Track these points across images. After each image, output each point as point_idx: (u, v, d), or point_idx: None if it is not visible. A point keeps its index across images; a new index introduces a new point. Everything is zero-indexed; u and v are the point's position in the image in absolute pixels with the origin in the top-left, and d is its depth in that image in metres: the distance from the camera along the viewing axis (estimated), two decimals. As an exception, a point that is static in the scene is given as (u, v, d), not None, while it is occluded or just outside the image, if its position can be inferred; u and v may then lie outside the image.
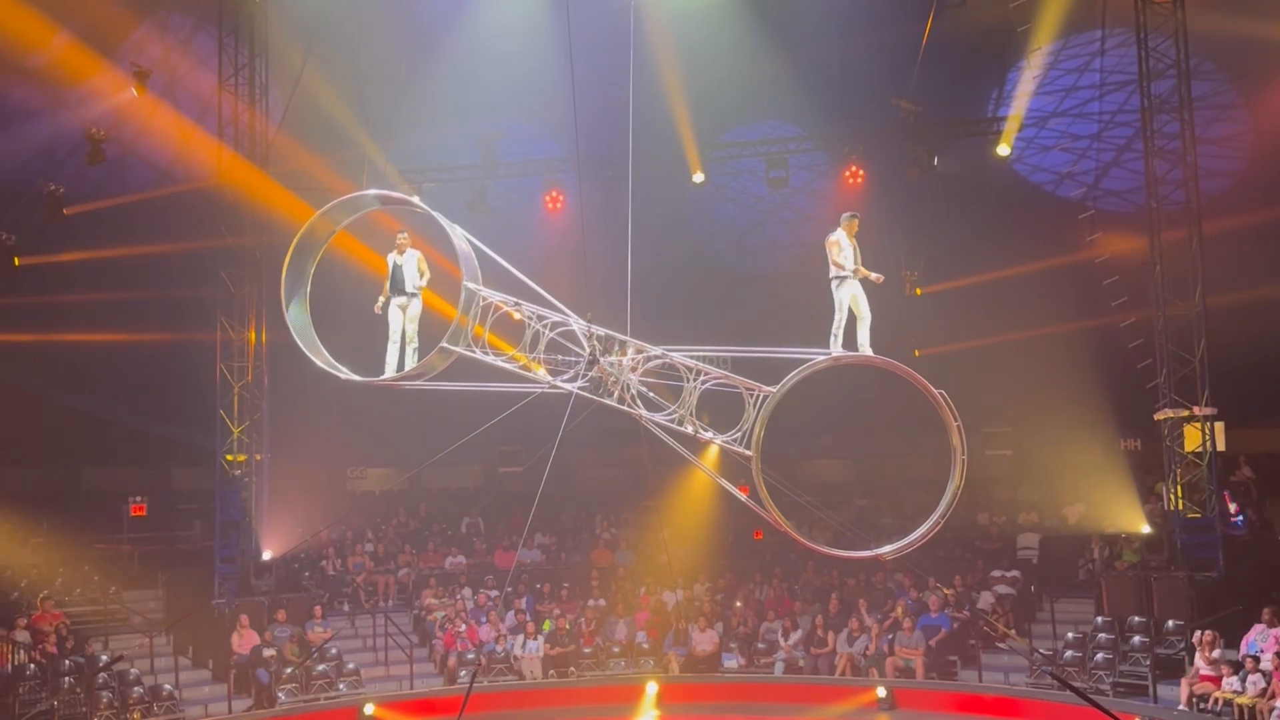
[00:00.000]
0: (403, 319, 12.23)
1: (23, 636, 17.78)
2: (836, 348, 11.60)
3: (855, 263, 11.65)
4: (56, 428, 24.01)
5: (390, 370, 12.20)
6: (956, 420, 11.40)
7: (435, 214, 11.99)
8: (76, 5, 19.39)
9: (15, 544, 20.83)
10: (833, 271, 11.71)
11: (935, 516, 11.52)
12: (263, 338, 20.51)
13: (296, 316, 12.30)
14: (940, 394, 11.38)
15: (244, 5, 20.48)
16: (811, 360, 11.50)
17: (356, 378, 12.21)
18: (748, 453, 11.49)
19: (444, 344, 11.72)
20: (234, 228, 20.46)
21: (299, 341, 12.23)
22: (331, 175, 22.59)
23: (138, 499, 22.06)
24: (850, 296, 11.67)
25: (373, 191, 13.37)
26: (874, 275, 11.71)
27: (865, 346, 11.70)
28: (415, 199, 13.08)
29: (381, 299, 12.22)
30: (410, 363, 12.11)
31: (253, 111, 20.71)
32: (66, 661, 17.65)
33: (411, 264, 12.24)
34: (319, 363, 12.21)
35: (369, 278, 12.46)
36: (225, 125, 20.53)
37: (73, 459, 25.46)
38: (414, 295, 12.18)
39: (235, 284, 20.43)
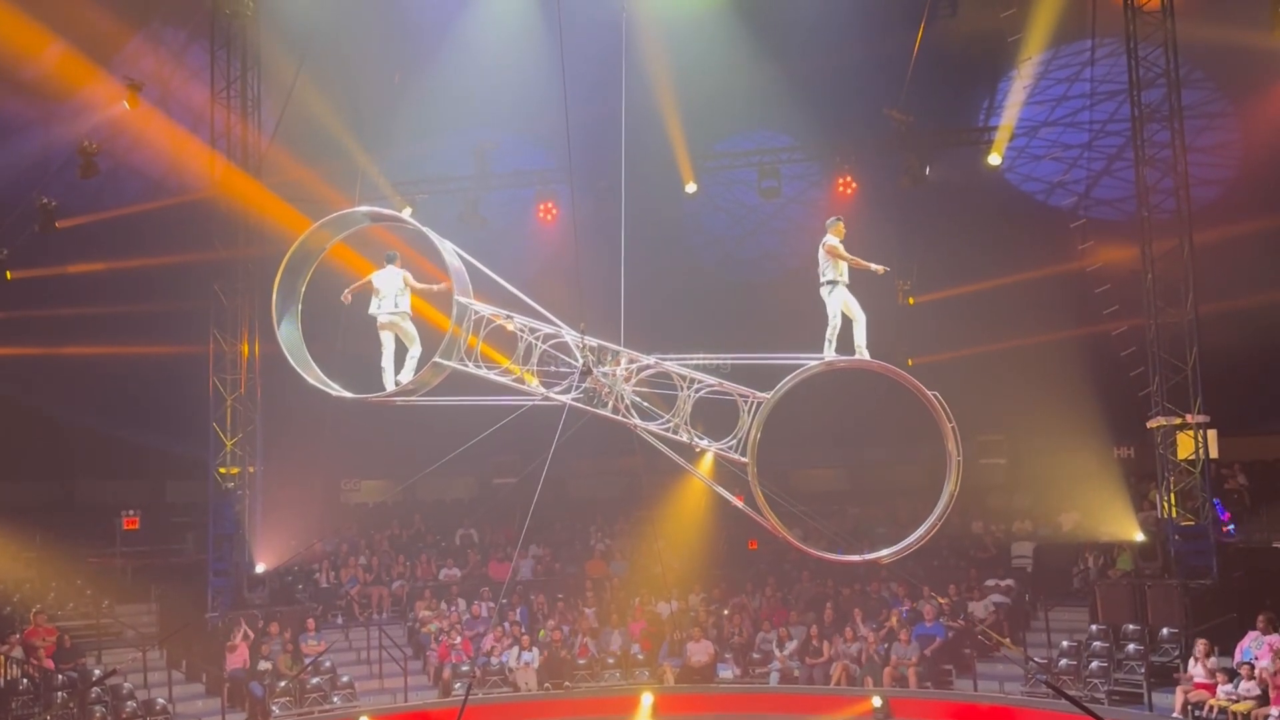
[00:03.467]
0: (393, 338, 12.26)
1: (15, 651, 17.70)
2: (830, 353, 11.63)
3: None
4: (49, 441, 23.95)
5: (386, 387, 12.21)
6: (951, 422, 11.39)
7: (425, 229, 12.04)
8: (68, 18, 19.38)
9: (8, 558, 20.73)
10: (828, 275, 11.73)
11: (932, 519, 11.51)
12: (255, 350, 20.48)
13: (288, 334, 12.33)
14: (934, 395, 11.38)
15: (236, 18, 20.50)
16: (805, 365, 11.53)
17: (348, 395, 12.23)
18: (743, 459, 11.49)
19: (437, 359, 11.76)
20: (226, 240, 20.47)
21: (291, 359, 12.27)
22: (324, 187, 22.62)
23: (131, 512, 22.06)
24: (842, 302, 11.71)
25: (363, 209, 13.39)
26: (876, 266, 11.79)
27: (863, 349, 11.71)
28: (406, 213, 13.11)
29: (349, 292, 12.26)
30: (409, 371, 12.15)
31: (245, 124, 20.72)
32: (60, 676, 17.57)
33: (393, 285, 12.23)
34: (311, 380, 12.24)
35: (365, 291, 12.45)
36: (218, 138, 20.53)
37: (65, 472, 25.41)
38: (399, 315, 12.20)
39: (228, 296, 20.41)
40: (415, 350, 12.23)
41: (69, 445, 24.19)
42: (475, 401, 12.18)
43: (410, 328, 12.24)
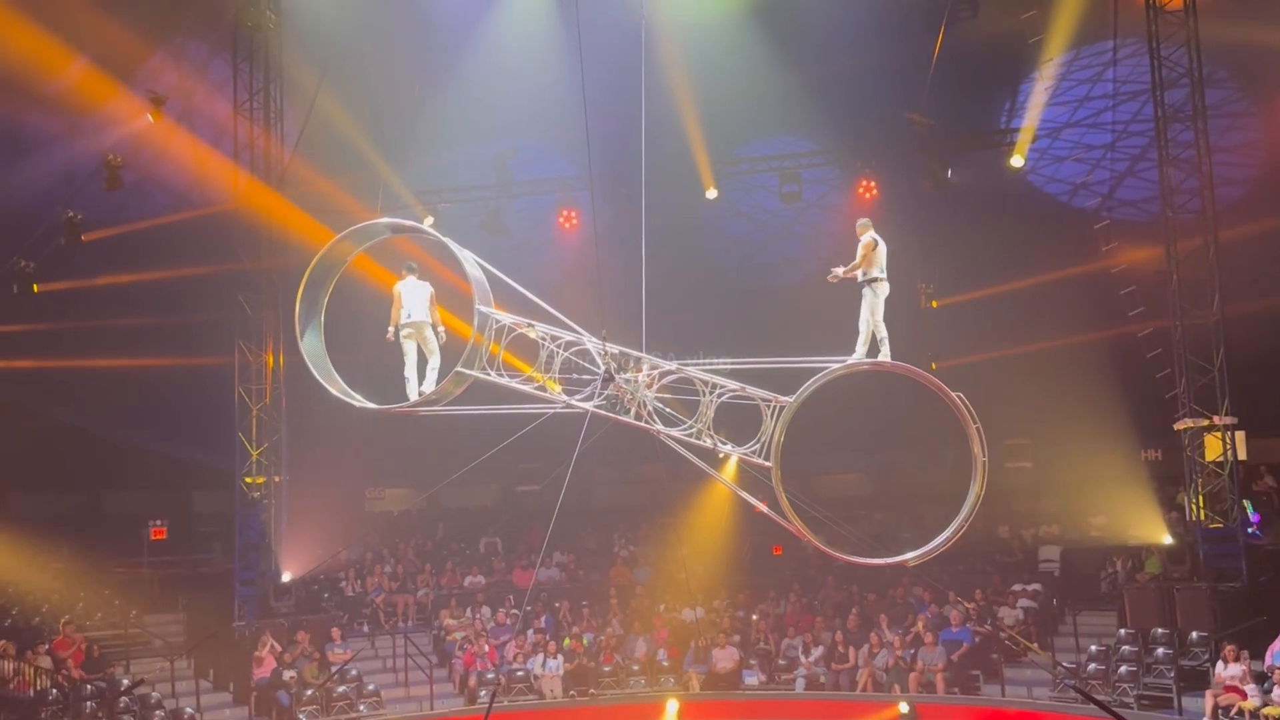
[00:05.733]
0: (415, 347, 12.29)
1: (44, 661, 17.82)
2: (860, 353, 11.60)
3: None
4: (76, 452, 24.12)
5: (410, 397, 12.24)
6: (976, 423, 11.32)
7: (446, 240, 12.07)
8: (93, 33, 19.56)
9: (36, 569, 20.88)
10: (874, 274, 11.70)
11: (959, 520, 11.45)
12: (280, 360, 20.60)
13: (311, 345, 12.40)
14: (958, 397, 11.31)
15: (258, 31, 20.63)
16: (828, 369, 11.49)
17: (371, 405, 12.27)
18: (767, 463, 11.46)
19: (459, 368, 11.78)
20: (251, 251, 20.58)
21: (314, 370, 12.33)
22: (346, 197, 22.73)
23: (158, 522, 22.17)
24: (868, 308, 11.68)
25: (384, 220, 13.48)
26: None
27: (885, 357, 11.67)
28: (428, 224, 13.16)
29: (391, 328, 12.30)
30: (430, 382, 12.18)
31: (268, 136, 20.84)
32: (88, 686, 17.68)
33: (420, 295, 12.30)
34: (334, 391, 12.29)
35: (386, 300, 12.50)
36: (241, 150, 20.67)
37: (93, 483, 25.56)
38: (423, 324, 12.25)
39: (253, 307, 20.53)
40: (435, 361, 12.27)
41: (96, 456, 24.35)
42: (498, 410, 12.20)
43: (433, 337, 12.28)
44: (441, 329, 12.32)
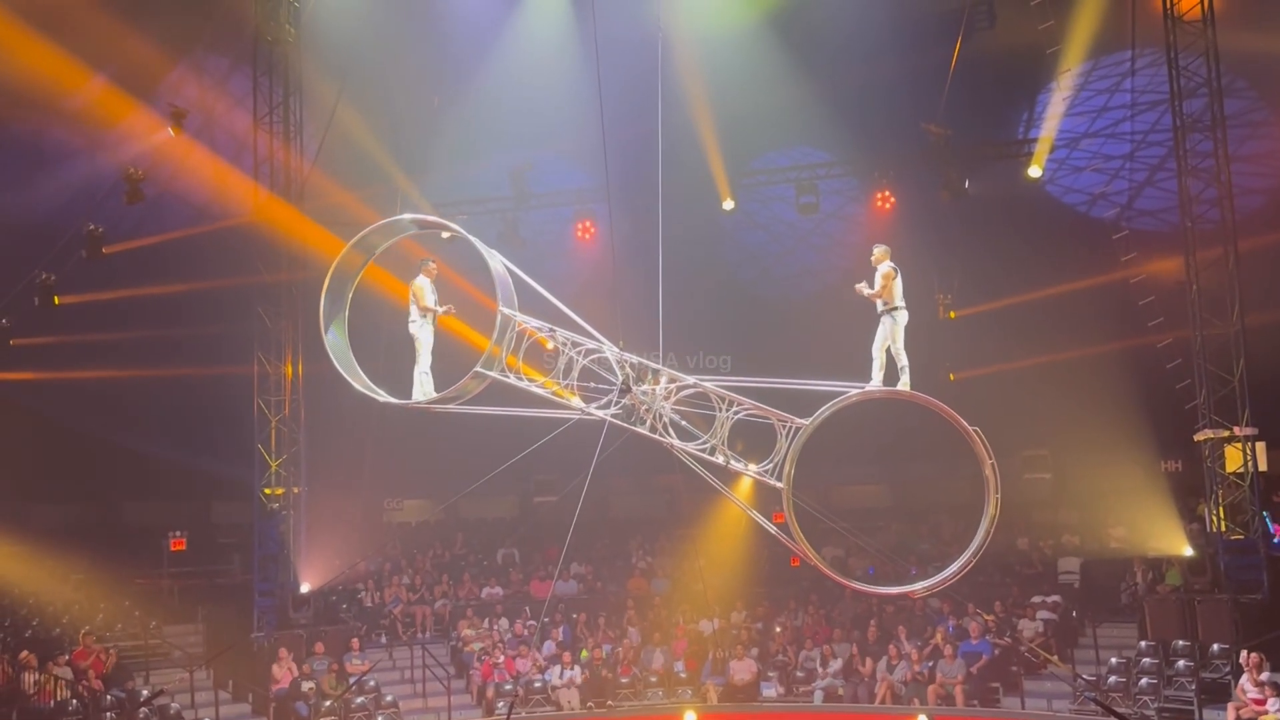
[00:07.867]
0: (430, 342, 12.32)
1: (64, 672, 17.88)
2: (877, 380, 11.57)
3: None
4: (96, 464, 24.25)
5: (419, 395, 12.24)
6: (990, 458, 11.29)
7: (472, 238, 12.05)
8: (114, 47, 19.72)
9: (57, 580, 20.99)
10: (895, 303, 11.68)
11: (968, 554, 11.40)
12: (299, 371, 20.67)
13: (335, 340, 12.38)
14: (975, 431, 11.27)
15: (278, 45, 20.76)
16: (844, 394, 11.48)
17: (394, 400, 12.27)
18: (779, 485, 11.44)
19: (478, 368, 11.78)
20: (270, 264, 20.67)
21: (337, 365, 12.29)
22: (365, 210, 22.78)
23: (177, 534, 22.23)
24: (886, 334, 11.65)
25: (409, 216, 13.48)
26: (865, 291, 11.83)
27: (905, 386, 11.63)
28: (445, 236, 13.15)
29: (420, 316, 12.30)
30: (426, 386, 12.18)
31: (287, 149, 20.94)
32: (108, 696, 17.74)
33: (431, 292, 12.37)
34: (357, 386, 12.26)
35: (402, 308, 12.52)
36: (260, 163, 20.78)
37: (112, 495, 25.71)
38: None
39: (271, 319, 20.61)
40: (424, 363, 12.26)
41: (116, 467, 24.46)
42: (516, 413, 12.19)
43: (427, 338, 12.28)
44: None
